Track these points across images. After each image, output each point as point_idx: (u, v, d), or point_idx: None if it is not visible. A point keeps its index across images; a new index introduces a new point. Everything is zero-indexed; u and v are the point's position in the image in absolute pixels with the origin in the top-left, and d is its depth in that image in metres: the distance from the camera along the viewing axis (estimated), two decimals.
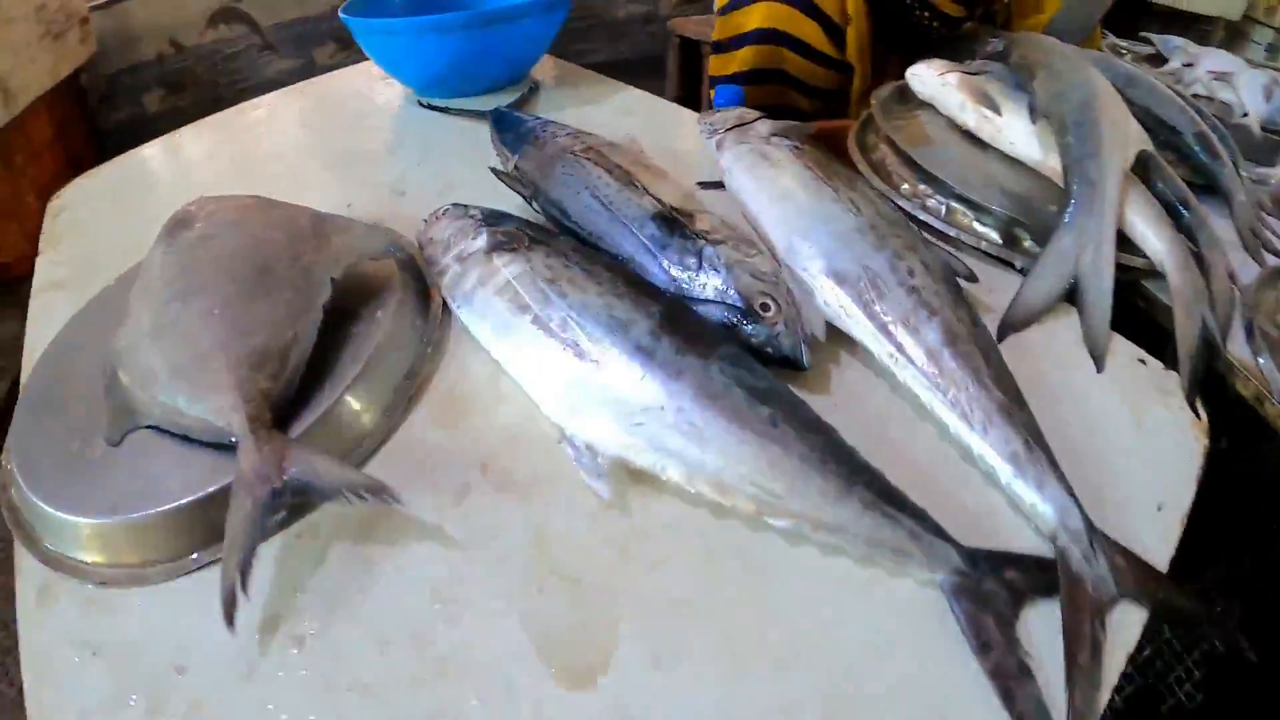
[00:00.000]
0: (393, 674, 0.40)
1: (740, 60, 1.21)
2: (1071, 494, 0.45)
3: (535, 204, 0.66)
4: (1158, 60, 1.44)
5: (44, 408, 0.57)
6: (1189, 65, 1.34)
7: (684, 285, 0.54)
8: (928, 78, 0.88)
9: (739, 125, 0.74)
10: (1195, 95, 1.23)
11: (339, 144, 0.89)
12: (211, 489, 0.47)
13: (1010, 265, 0.66)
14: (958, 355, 0.50)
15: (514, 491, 0.47)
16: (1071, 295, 0.62)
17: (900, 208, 0.71)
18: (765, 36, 1.19)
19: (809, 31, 1.18)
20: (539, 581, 0.43)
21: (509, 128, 0.77)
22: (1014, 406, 0.48)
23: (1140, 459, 0.52)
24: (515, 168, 0.71)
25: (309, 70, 1.99)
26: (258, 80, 1.86)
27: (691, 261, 0.55)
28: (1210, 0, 2.02)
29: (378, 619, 0.42)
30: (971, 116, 0.82)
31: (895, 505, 0.42)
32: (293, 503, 0.46)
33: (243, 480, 0.45)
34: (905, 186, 0.77)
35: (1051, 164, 0.71)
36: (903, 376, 0.52)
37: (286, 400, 0.50)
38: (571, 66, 1.06)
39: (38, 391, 0.60)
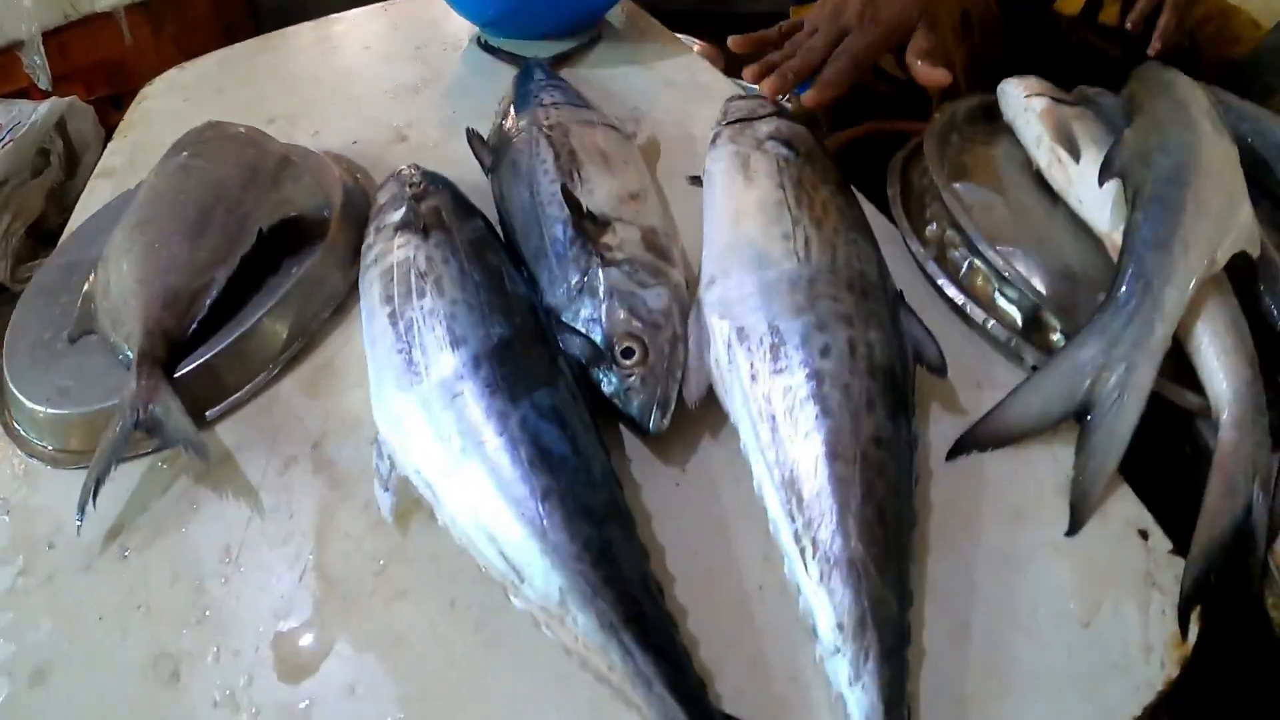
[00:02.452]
0: (169, 606, 0.46)
1: None
2: (894, 699, 0.37)
3: (490, 177, 0.67)
4: None
5: (44, 291, 0.67)
6: None
7: (560, 306, 0.52)
8: (1013, 96, 0.73)
9: (744, 119, 0.66)
10: None
11: (384, 75, 0.92)
12: (111, 403, 0.54)
13: (1020, 360, 0.55)
14: (833, 478, 0.41)
15: (326, 476, 0.50)
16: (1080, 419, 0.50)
17: (915, 258, 0.61)
18: None
19: None
20: (302, 573, 0.46)
21: (524, 83, 0.77)
22: (874, 565, 0.39)
23: (1063, 669, 0.43)
24: (493, 132, 0.71)
25: None
26: None
27: (576, 280, 0.52)
28: None
29: (179, 556, 0.48)
30: (1044, 155, 0.67)
31: (638, 637, 0.37)
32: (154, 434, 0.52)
33: (120, 404, 0.52)
34: (932, 227, 0.65)
35: (1117, 239, 0.57)
36: (759, 479, 0.44)
37: (187, 336, 0.56)
38: (647, 20, 1.01)
39: (49, 273, 0.71)
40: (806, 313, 0.48)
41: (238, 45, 1.04)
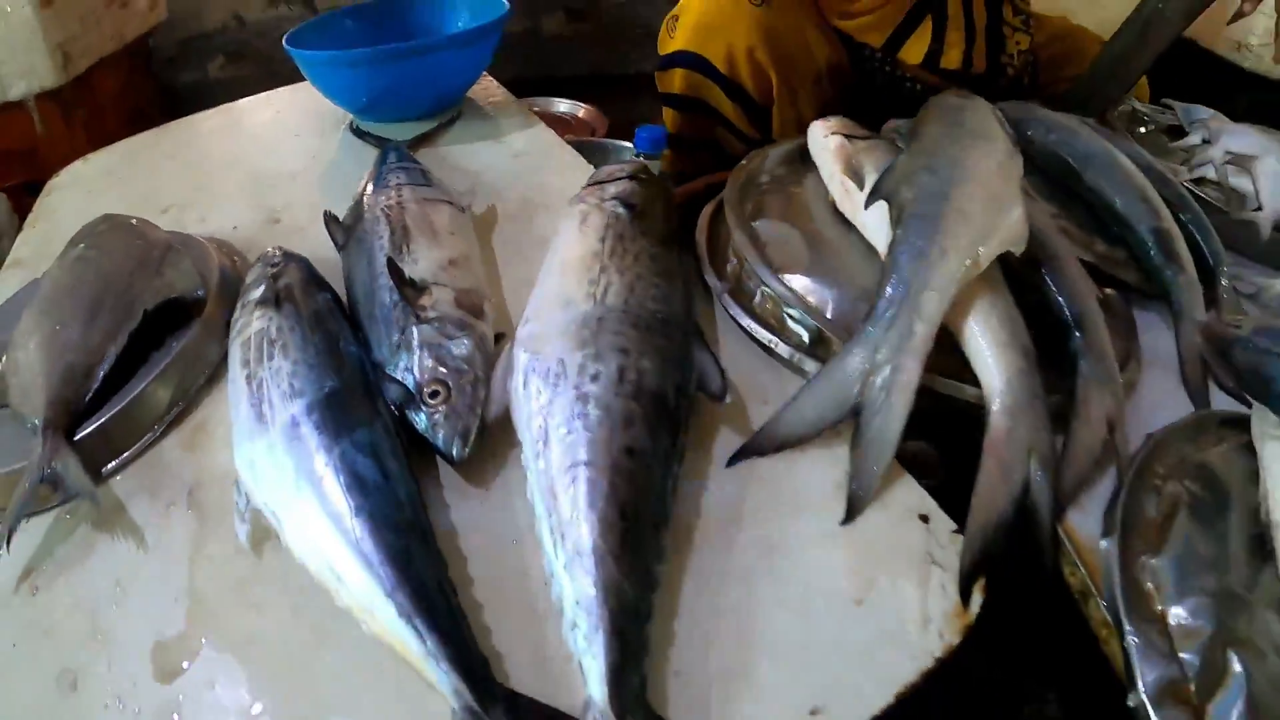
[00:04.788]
0: (70, 631, 0.55)
1: (670, 121, 1.20)
2: (623, 666, 0.43)
3: (341, 254, 0.77)
4: (1179, 133, 1.20)
5: None
6: (1209, 142, 1.13)
7: (385, 360, 0.61)
8: (814, 136, 0.82)
9: (602, 182, 0.73)
10: (1202, 180, 1.13)
11: (265, 163, 1.02)
12: (21, 465, 0.62)
13: (805, 375, 0.60)
14: (583, 482, 0.48)
15: (198, 515, 0.60)
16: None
17: (733, 295, 0.69)
18: (687, 104, 1.16)
19: (729, 109, 1.14)
20: (177, 595, 0.55)
21: (380, 165, 0.86)
22: (611, 555, 0.46)
23: (833, 642, 0.48)
24: (349, 213, 0.81)
25: None
26: None
27: (396, 338, 0.61)
28: None
29: (79, 589, 0.57)
30: (836, 188, 0.75)
31: (430, 623, 0.45)
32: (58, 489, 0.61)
33: (29, 465, 0.61)
34: (732, 264, 0.72)
35: None
36: (531, 486, 0.51)
37: (85, 403, 0.65)
38: (504, 96, 1.13)
39: None
40: (589, 345, 0.56)
41: (138, 136, 1.13)
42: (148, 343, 0.70)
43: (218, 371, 0.70)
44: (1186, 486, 0.58)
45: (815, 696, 0.46)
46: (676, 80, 1.15)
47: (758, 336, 0.67)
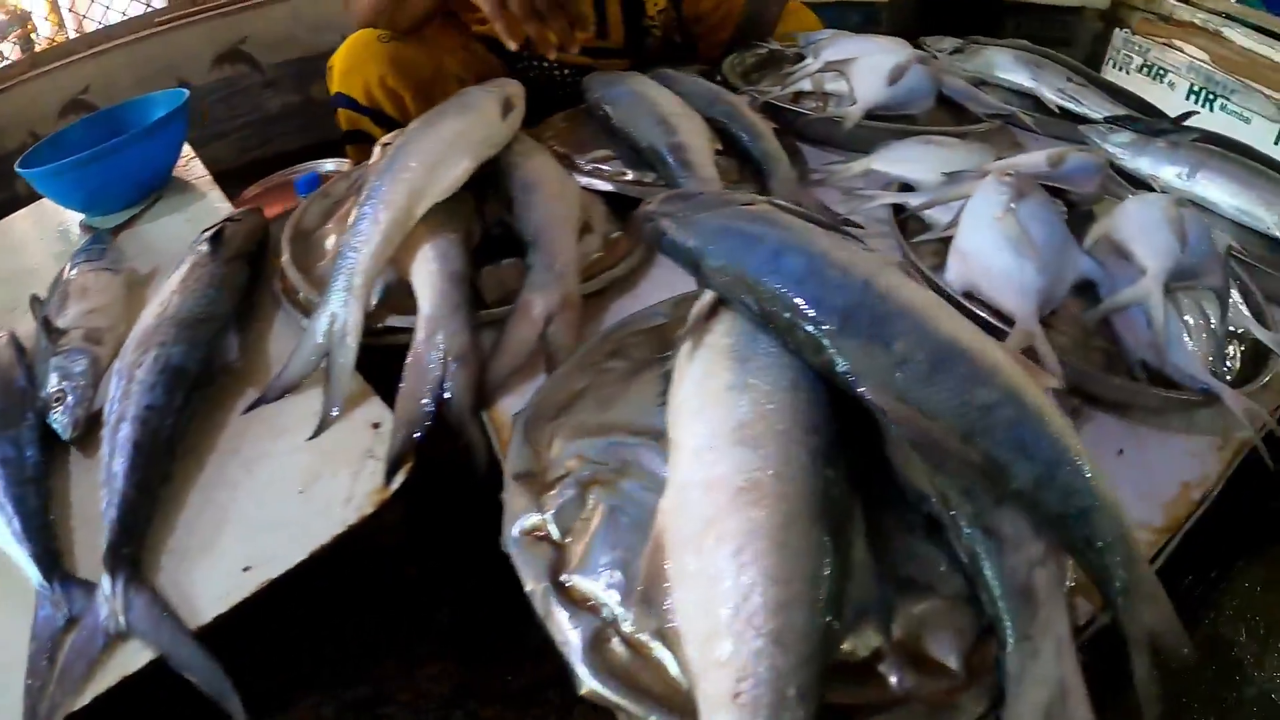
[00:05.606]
0: None
1: (349, 153, 1.45)
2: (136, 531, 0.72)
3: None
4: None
5: None
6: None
7: (41, 384, 0.92)
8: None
9: (208, 228, 1.06)
10: (801, 93, 1.41)
11: (14, 265, 1.29)
12: None
13: None
14: (122, 421, 0.79)
15: None
16: None
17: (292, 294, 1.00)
18: (353, 137, 1.40)
19: (380, 134, 1.31)
20: None
21: (78, 252, 1.18)
22: (140, 455, 0.75)
23: (272, 518, 0.69)
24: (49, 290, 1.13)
25: None
26: None
27: (44, 368, 0.93)
28: None
29: None
30: None
31: (29, 537, 0.74)
32: None
33: None
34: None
35: None
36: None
37: None
38: (200, 172, 1.41)
39: None
40: (143, 345, 0.85)
41: None
42: None
43: None
44: (631, 355, 0.75)
45: (251, 559, 0.70)
46: (341, 119, 1.39)
47: (296, 320, 0.97)
